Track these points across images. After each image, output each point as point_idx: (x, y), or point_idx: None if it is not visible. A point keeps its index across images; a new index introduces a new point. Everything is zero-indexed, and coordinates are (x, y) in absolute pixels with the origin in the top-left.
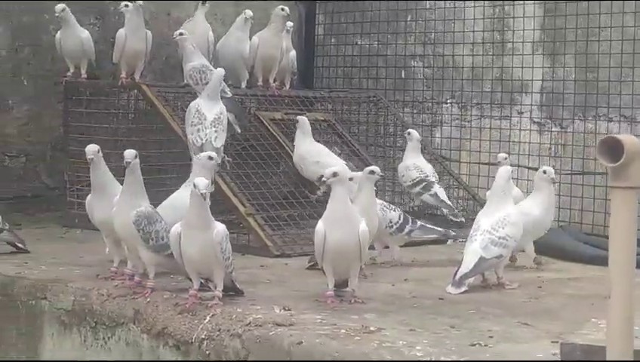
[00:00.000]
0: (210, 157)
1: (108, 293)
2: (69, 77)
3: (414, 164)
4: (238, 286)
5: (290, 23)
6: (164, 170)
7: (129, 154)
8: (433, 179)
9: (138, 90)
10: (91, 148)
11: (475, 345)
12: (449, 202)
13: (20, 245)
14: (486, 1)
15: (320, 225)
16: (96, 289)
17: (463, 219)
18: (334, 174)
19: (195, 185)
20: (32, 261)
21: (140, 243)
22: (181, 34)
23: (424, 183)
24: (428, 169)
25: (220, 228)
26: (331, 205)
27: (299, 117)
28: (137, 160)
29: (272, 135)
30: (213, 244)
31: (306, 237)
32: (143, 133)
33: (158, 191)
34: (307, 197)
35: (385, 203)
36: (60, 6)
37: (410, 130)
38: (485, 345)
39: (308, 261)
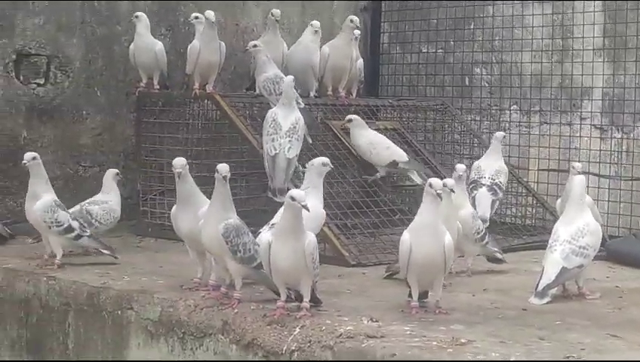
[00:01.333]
0: (324, 164)
1: (195, 304)
2: (142, 87)
3: (478, 164)
4: (318, 295)
5: (357, 31)
6: (234, 180)
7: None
8: (484, 182)
9: (211, 101)
10: (179, 162)
11: (568, 357)
12: (478, 208)
13: (105, 251)
14: (547, 7)
15: (406, 236)
16: (183, 299)
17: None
18: (444, 185)
19: (293, 197)
20: (114, 271)
21: (228, 255)
22: (255, 45)
23: (472, 184)
24: (489, 171)
25: (311, 238)
26: (420, 216)
27: (351, 116)
28: (223, 173)
29: (343, 144)
30: (305, 254)
31: (380, 246)
32: (214, 142)
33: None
34: (377, 205)
35: (473, 210)
36: (140, 13)
37: (498, 131)
38: (579, 358)
39: (385, 270)
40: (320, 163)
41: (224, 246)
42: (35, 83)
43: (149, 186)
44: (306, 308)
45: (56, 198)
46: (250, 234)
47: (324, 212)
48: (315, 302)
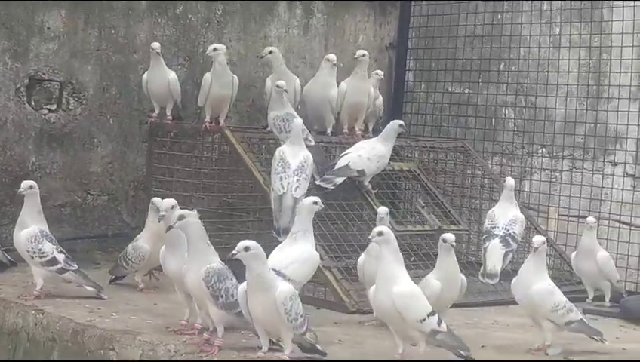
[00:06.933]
0: (315, 202)
1: (175, 349)
2: (155, 118)
3: (492, 213)
4: (318, 347)
5: (380, 72)
6: (246, 214)
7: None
8: (497, 233)
9: (221, 135)
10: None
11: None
12: (489, 262)
13: (89, 288)
14: (581, 52)
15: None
16: (164, 344)
17: (489, 281)
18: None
19: (247, 248)
20: (105, 307)
21: (209, 300)
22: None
23: (485, 235)
24: (502, 221)
25: (283, 288)
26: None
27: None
28: (191, 218)
29: (354, 183)
30: (276, 306)
31: None
32: (226, 176)
33: (240, 234)
34: None
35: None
36: (156, 44)
37: (508, 178)
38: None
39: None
40: (310, 202)
41: (205, 291)
42: (46, 108)
43: None
44: (288, 357)
45: (45, 229)
46: (234, 279)
47: (318, 254)
48: (317, 352)
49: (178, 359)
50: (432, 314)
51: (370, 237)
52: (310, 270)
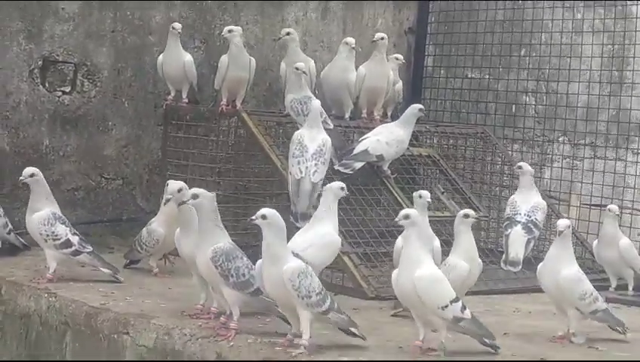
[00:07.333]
0: (342, 188)
1: (191, 333)
2: (170, 101)
3: (513, 199)
4: (354, 330)
5: (400, 56)
6: (262, 200)
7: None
8: (519, 219)
9: (238, 118)
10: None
11: None
12: (511, 249)
13: (105, 270)
14: (603, 37)
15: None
16: (180, 328)
17: (512, 269)
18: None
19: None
20: (118, 291)
21: (220, 280)
22: (288, 33)
23: (507, 222)
24: (524, 207)
25: (292, 264)
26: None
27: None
28: (205, 199)
29: (373, 168)
30: (284, 281)
31: None
32: (243, 160)
33: None
34: None
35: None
36: (178, 25)
37: (520, 163)
38: None
39: (392, 306)
40: (338, 187)
41: (214, 271)
42: (60, 91)
43: None
44: (304, 346)
45: (57, 211)
46: (245, 258)
47: (340, 239)
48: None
49: (194, 343)
50: (455, 300)
51: (397, 219)
52: (330, 254)
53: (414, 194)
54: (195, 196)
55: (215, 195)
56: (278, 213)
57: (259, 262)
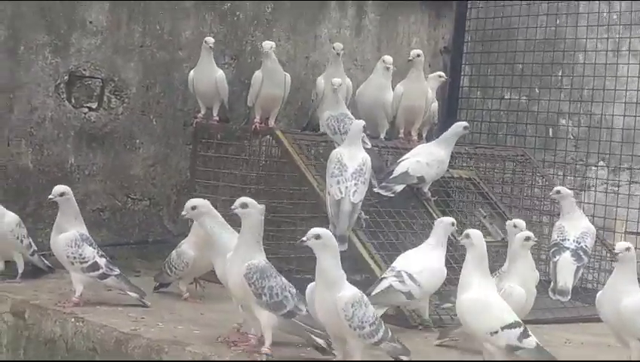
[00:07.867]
0: (453, 223)
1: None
2: (200, 118)
3: (560, 224)
4: (405, 358)
5: (442, 74)
6: (294, 223)
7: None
8: (568, 246)
9: (272, 137)
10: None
11: None
12: (559, 277)
13: (132, 294)
14: None
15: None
16: (216, 355)
17: (560, 298)
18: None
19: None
20: (149, 315)
21: (252, 299)
22: (333, 84)
23: (555, 248)
24: (573, 233)
25: (347, 292)
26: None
27: None
28: (254, 209)
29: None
30: (337, 310)
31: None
32: (275, 182)
33: (289, 243)
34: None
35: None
36: (211, 39)
37: (558, 187)
38: None
39: (438, 336)
40: (449, 222)
41: (247, 289)
42: (87, 107)
43: None
44: None
45: (85, 232)
46: (281, 278)
47: (445, 270)
48: None
49: None
50: (510, 326)
51: (459, 238)
52: (438, 282)
53: (507, 223)
54: (244, 205)
55: (264, 207)
56: (330, 233)
57: (311, 285)
